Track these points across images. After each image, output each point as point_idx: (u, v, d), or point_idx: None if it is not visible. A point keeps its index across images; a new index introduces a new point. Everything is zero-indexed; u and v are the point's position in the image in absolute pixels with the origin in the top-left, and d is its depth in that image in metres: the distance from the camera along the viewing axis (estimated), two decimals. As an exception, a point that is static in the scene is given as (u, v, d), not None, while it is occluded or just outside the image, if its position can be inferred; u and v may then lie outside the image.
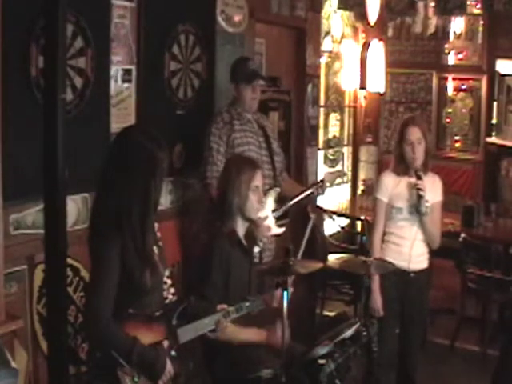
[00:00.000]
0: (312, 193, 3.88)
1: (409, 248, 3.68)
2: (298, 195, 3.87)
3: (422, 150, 3.66)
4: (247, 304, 2.75)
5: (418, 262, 3.73)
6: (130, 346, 2.27)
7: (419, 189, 3.57)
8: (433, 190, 3.70)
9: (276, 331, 3.00)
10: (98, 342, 2.34)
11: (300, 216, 4.28)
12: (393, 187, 3.70)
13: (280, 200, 3.76)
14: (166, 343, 2.41)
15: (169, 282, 2.66)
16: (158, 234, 2.61)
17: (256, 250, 3.51)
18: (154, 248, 2.48)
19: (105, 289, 2.29)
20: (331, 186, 3.92)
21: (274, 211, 3.67)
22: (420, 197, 3.57)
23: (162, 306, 2.51)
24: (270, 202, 3.68)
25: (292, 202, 3.79)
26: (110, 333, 2.27)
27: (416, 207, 3.62)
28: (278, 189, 3.80)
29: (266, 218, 3.59)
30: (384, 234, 3.76)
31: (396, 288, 3.71)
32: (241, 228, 3.20)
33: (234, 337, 2.90)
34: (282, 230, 3.73)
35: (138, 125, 2.85)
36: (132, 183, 2.36)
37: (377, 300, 3.70)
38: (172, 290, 2.81)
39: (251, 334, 3.02)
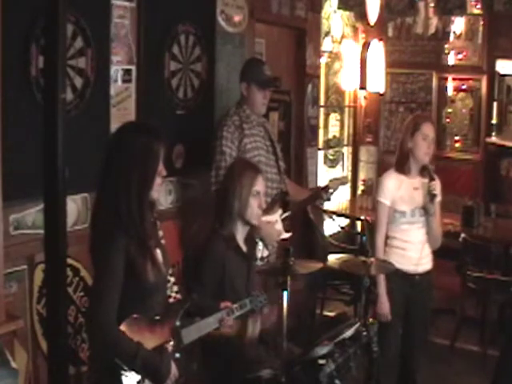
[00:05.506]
0: (320, 196, 3.92)
1: (416, 251, 3.62)
2: (306, 200, 3.93)
3: (433, 147, 3.66)
4: (251, 300, 2.75)
5: (423, 264, 3.69)
6: (134, 351, 2.26)
7: (433, 189, 3.53)
8: None
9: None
10: (101, 347, 2.32)
11: (300, 216, 4.28)
12: (395, 190, 3.64)
13: (285, 203, 3.77)
14: (170, 346, 2.40)
15: (172, 279, 2.65)
16: (161, 233, 2.60)
17: (265, 253, 3.51)
18: (157, 250, 2.47)
19: (109, 294, 2.27)
20: (335, 191, 3.93)
21: (281, 215, 3.68)
22: (433, 196, 3.52)
23: (165, 307, 2.49)
24: (278, 207, 3.68)
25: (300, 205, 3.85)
26: (114, 338, 2.26)
27: (425, 208, 3.58)
28: (285, 193, 3.81)
29: (275, 222, 3.59)
30: (387, 237, 3.70)
31: (402, 291, 3.66)
32: (241, 232, 3.19)
33: None
34: (290, 234, 3.73)
35: (131, 121, 2.83)
36: (129, 177, 2.34)
37: (384, 305, 3.63)
38: (175, 288, 2.80)
39: None
